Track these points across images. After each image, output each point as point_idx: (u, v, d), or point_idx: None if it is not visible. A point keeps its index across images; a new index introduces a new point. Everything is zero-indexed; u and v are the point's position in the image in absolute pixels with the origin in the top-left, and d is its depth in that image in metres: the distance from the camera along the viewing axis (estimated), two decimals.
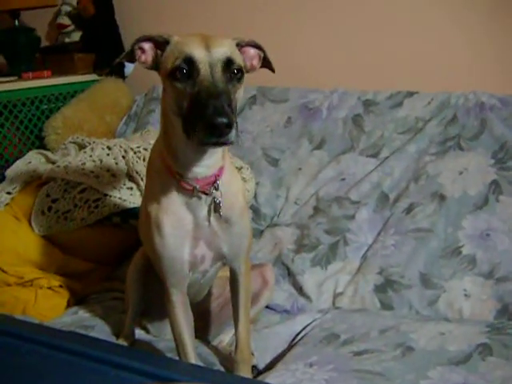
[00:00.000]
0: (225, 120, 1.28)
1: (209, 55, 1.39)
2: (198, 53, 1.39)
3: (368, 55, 2.79)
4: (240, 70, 1.43)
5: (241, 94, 1.46)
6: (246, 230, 1.68)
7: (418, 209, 2.28)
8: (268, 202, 2.65)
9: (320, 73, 2.92)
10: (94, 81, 3.41)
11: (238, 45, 1.51)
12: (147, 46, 1.49)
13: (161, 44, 1.48)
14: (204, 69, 1.38)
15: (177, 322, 1.68)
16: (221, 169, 1.56)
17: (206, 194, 1.55)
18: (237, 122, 1.34)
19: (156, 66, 1.50)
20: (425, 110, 2.53)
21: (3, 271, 2.28)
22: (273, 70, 1.63)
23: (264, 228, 2.57)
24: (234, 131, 1.31)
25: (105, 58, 3.40)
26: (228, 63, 1.40)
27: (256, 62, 1.59)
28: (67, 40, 3.65)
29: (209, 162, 1.52)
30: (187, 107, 1.37)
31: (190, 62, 1.38)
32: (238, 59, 1.45)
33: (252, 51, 1.58)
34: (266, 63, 1.61)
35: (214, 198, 1.55)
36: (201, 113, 1.31)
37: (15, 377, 1.24)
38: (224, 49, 1.42)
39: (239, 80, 1.43)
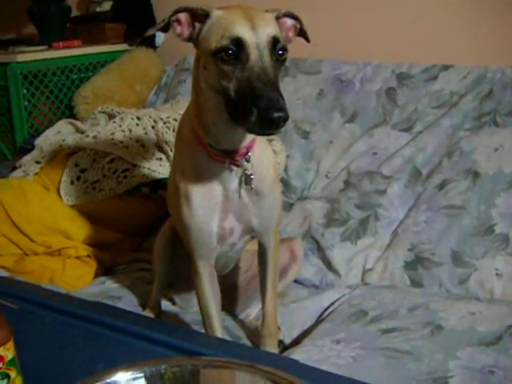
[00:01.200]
0: (282, 114, 1.25)
1: (256, 36, 1.34)
2: (246, 34, 1.33)
3: (403, 27, 2.73)
4: (284, 49, 1.38)
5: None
6: (277, 203, 1.66)
7: (451, 185, 2.23)
8: (298, 175, 2.62)
9: (354, 45, 2.86)
10: (124, 51, 3.40)
11: (276, 17, 1.46)
12: (184, 17, 1.44)
13: (199, 16, 1.43)
14: (253, 52, 1.33)
15: (203, 295, 1.67)
16: (252, 141, 1.54)
17: (238, 166, 1.52)
18: None
19: (192, 38, 1.45)
20: (460, 84, 2.47)
21: (32, 240, 2.29)
22: (308, 40, 1.58)
23: (294, 201, 2.55)
24: (287, 121, 1.28)
25: (136, 28, 3.39)
26: (274, 43, 1.35)
27: (292, 34, 1.55)
28: (98, 9, 3.62)
29: (241, 136, 1.50)
30: (235, 90, 1.33)
31: (238, 43, 1.33)
32: (281, 36, 1.40)
33: (289, 22, 1.53)
34: (301, 33, 1.56)
35: (245, 170, 1.53)
36: (254, 102, 1.27)
37: (39, 345, 1.25)
38: (270, 28, 1.37)
39: (284, 61, 1.39)
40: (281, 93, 1.30)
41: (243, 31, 1.34)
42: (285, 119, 1.26)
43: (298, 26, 1.55)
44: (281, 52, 1.37)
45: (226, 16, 1.39)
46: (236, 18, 1.36)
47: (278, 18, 1.47)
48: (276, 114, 1.24)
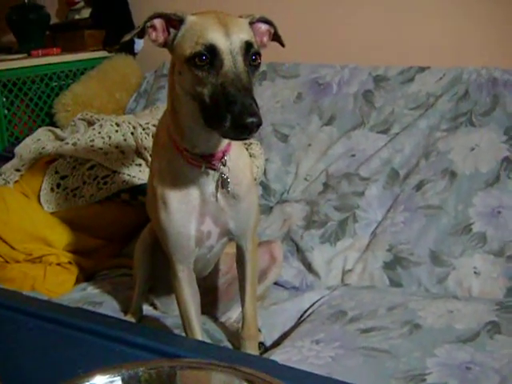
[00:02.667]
0: (255, 120, 1.26)
1: (229, 42, 1.35)
2: (220, 40, 1.34)
3: (379, 30, 2.75)
4: (258, 54, 1.39)
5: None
6: (254, 206, 1.67)
7: (429, 185, 2.26)
8: (277, 178, 2.63)
9: (331, 48, 2.88)
10: (103, 57, 3.40)
11: (250, 22, 1.47)
12: (159, 23, 1.44)
13: (174, 22, 1.43)
14: (227, 58, 1.34)
15: (183, 298, 1.68)
16: (228, 145, 1.55)
17: (214, 170, 1.53)
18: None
19: (167, 44, 1.46)
20: (436, 86, 2.50)
21: (12, 248, 2.29)
22: (282, 45, 1.60)
23: (273, 204, 2.57)
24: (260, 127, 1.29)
25: (115, 35, 3.38)
26: (247, 49, 1.37)
27: (266, 39, 1.55)
28: (77, 17, 3.63)
29: (217, 140, 1.51)
30: (209, 96, 1.34)
31: (212, 50, 1.34)
32: (254, 41, 1.41)
33: (263, 27, 1.54)
34: (275, 37, 1.57)
35: (222, 173, 1.54)
36: (228, 108, 1.28)
37: (21, 351, 1.25)
38: (243, 33, 1.38)
39: (257, 66, 1.40)
40: (254, 98, 1.31)
41: (217, 37, 1.35)
42: (258, 124, 1.27)
43: (272, 31, 1.56)
44: (254, 57, 1.38)
45: (200, 22, 1.40)
46: (210, 24, 1.37)
47: (251, 23, 1.48)
48: (249, 120, 1.26)
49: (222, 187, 1.55)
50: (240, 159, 1.61)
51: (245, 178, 1.62)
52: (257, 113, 1.27)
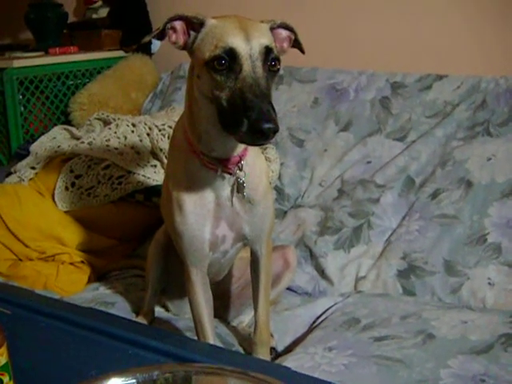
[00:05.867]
0: (272, 126, 1.26)
1: (249, 46, 1.35)
2: (240, 44, 1.34)
3: (397, 36, 2.74)
4: (277, 60, 1.39)
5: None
6: (269, 211, 1.66)
7: (444, 194, 2.24)
8: (292, 183, 2.63)
9: (348, 54, 2.88)
10: (120, 57, 3.41)
11: (270, 28, 1.47)
12: (180, 25, 1.44)
13: (195, 25, 1.43)
14: (246, 64, 1.34)
15: (196, 302, 1.67)
16: (245, 149, 1.54)
17: (230, 174, 1.53)
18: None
19: (187, 46, 1.45)
20: (454, 94, 2.48)
21: (26, 246, 2.29)
22: (303, 52, 1.59)
23: (288, 209, 2.56)
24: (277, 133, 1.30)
25: (132, 35, 3.40)
26: (267, 54, 1.36)
27: (286, 45, 1.55)
28: (94, 16, 3.63)
29: (233, 144, 1.50)
30: (227, 100, 1.34)
31: (231, 54, 1.34)
32: (274, 47, 1.40)
33: (284, 33, 1.53)
34: (295, 44, 1.57)
35: (238, 178, 1.54)
36: (245, 113, 1.28)
37: (33, 351, 1.25)
38: (263, 38, 1.38)
39: (276, 72, 1.39)
40: (272, 104, 1.31)
41: (237, 42, 1.35)
42: (275, 131, 1.27)
43: (293, 37, 1.55)
44: (274, 63, 1.38)
45: (221, 25, 1.39)
46: (230, 28, 1.37)
47: (272, 28, 1.48)
48: (266, 126, 1.26)
49: (238, 192, 1.55)
50: (257, 164, 1.61)
51: (261, 183, 1.61)
52: (274, 119, 1.27)
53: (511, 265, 2.03)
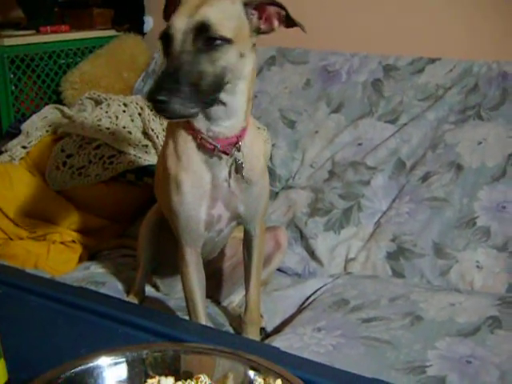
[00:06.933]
0: (159, 97, 1.27)
1: (185, 23, 1.34)
2: (177, 22, 1.35)
3: (390, 19, 2.74)
4: (218, 38, 1.35)
5: (231, 61, 1.39)
6: (265, 191, 1.67)
7: (435, 177, 2.25)
8: (283, 164, 2.63)
9: (341, 35, 2.87)
10: (112, 36, 3.38)
11: (246, 5, 1.42)
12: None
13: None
14: (176, 39, 1.34)
15: (189, 281, 1.68)
16: (243, 130, 1.54)
17: (227, 155, 1.53)
18: (207, 94, 1.35)
19: None
20: (446, 78, 2.49)
21: (16, 225, 2.30)
22: (302, 29, 1.49)
23: (278, 190, 2.56)
24: (177, 106, 1.29)
25: (124, 14, 3.37)
26: (201, 30, 1.34)
27: (277, 23, 1.47)
28: None
29: (228, 123, 1.50)
30: None
31: (167, 33, 1.36)
32: (221, 25, 1.35)
33: (271, 9, 1.46)
34: (289, 22, 1.47)
35: (236, 158, 1.54)
36: None
37: (23, 330, 1.25)
38: (206, 13, 1.35)
39: (217, 48, 1.36)
40: (179, 78, 1.30)
41: (175, 20, 1.36)
42: (160, 101, 1.27)
43: (283, 13, 1.45)
44: (209, 39, 1.35)
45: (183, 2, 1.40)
46: (185, 5, 1.38)
47: (254, 6, 1.43)
48: (152, 96, 1.28)
49: (236, 172, 1.55)
50: (255, 145, 1.60)
51: (258, 164, 1.62)
52: (164, 89, 1.28)
53: (500, 248, 2.05)
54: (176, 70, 1.31)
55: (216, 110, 1.47)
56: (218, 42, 1.35)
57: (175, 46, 1.34)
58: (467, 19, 2.58)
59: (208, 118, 1.49)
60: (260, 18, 1.45)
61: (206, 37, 1.35)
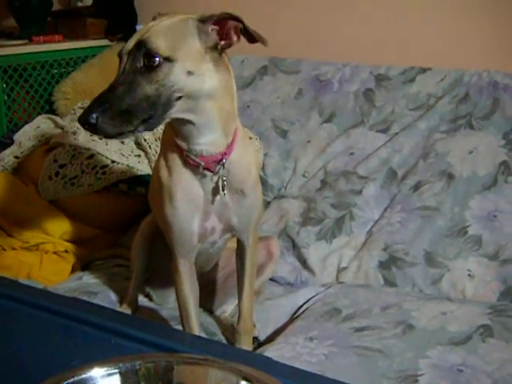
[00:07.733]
0: (88, 119, 1.29)
1: (128, 45, 1.37)
2: (130, 40, 1.37)
3: (381, 29, 2.75)
4: (154, 56, 1.33)
5: (174, 79, 1.35)
6: (258, 202, 1.67)
7: (426, 187, 2.26)
8: (275, 174, 2.63)
9: (333, 45, 2.88)
10: (105, 46, 3.38)
11: (203, 21, 1.40)
12: None
13: None
14: (123, 59, 1.36)
15: (183, 292, 1.68)
16: (229, 147, 1.53)
17: (211, 172, 1.53)
18: (148, 115, 1.35)
19: None
20: (437, 87, 2.50)
21: (9, 235, 2.29)
22: (264, 43, 1.41)
23: (271, 200, 2.57)
24: (106, 126, 1.30)
25: (117, 24, 3.38)
26: (139, 48, 1.34)
27: (236, 37, 1.41)
28: (79, 4, 3.61)
29: (205, 140, 1.49)
30: None
31: (120, 51, 1.39)
32: (158, 43, 1.34)
33: (230, 23, 1.40)
34: (247, 34, 1.41)
35: (222, 176, 1.53)
36: None
37: (15, 340, 1.25)
38: (148, 33, 1.35)
39: (157, 67, 1.33)
40: (111, 99, 1.32)
41: (129, 40, 1.38)
42: (87, 123, 1.30)
43: (240, 26, 1.40)
44: (149, 59, 1.33)
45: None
46: (144, 27, 1.41)
47: (212, 21, 1.40)
48: (82, 120, 1.31)
49: (223, 189, 1.55)
50: (243, 158, 1.59)
51: (249, 176, 1.62)
52: (92, 111, 1.30)
53: (491, 257, 2.06)
54: (110, 91, 1.33)
55: (186, 128, 1.46)
56: (157, 60, 1.34)
57: (120, 67, 1.36)
58: (458, 29, 2.60)
59: (183, 136, 1.49)
60: (221, 33, 1.42)
61: (143, 55, 1.34)
